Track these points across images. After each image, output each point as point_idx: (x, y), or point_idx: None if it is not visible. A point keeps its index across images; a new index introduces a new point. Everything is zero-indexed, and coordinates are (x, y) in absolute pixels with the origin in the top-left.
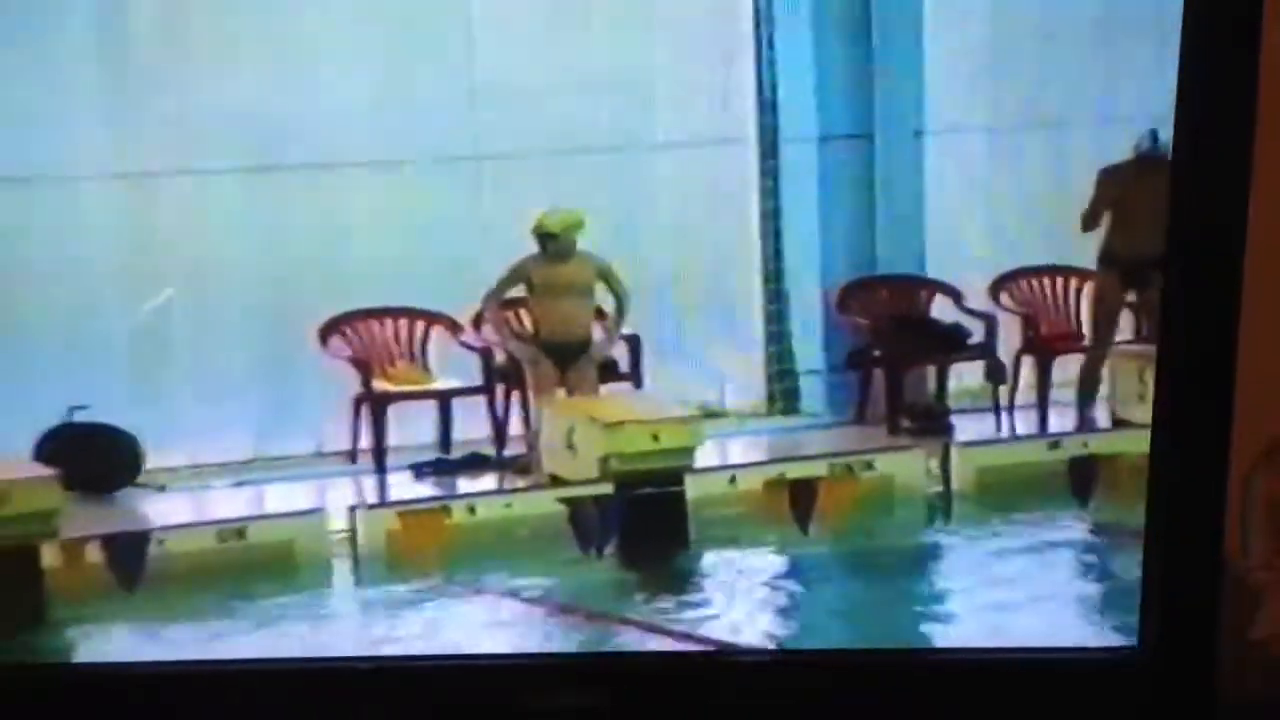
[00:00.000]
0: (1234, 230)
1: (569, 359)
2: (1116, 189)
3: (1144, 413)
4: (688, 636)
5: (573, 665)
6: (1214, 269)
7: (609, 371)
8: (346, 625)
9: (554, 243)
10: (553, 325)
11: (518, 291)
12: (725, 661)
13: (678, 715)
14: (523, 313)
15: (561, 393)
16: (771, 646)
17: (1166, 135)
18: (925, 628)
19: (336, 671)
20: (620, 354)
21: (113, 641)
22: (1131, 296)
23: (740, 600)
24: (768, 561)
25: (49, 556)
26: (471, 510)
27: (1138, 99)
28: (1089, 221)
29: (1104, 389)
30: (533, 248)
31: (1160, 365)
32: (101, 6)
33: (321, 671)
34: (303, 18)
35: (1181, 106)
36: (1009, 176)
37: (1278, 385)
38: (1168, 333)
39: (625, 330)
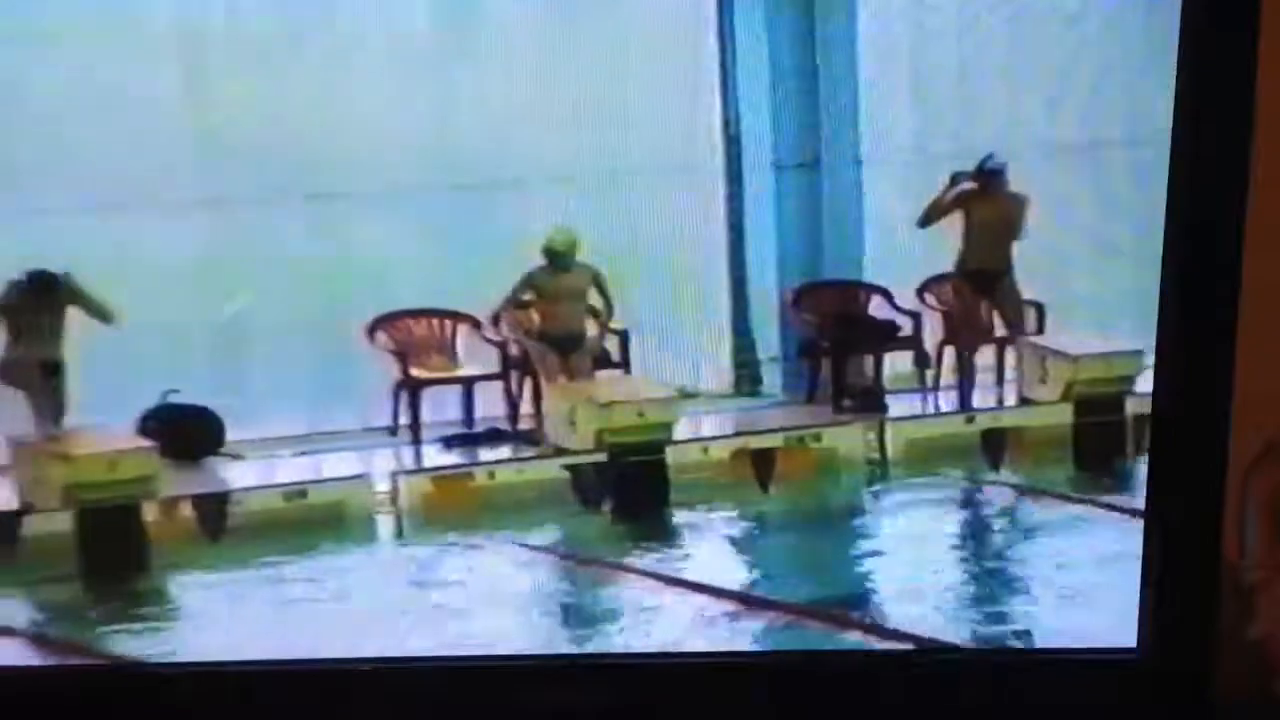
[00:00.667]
0: (1232, 232)
1: (569, 350)
2: (960, 204)
3: (1045, 393)
4: (669, 579)
5: (572, 665)
6: (1212, 270)
7: (603, 360)
8: (389, 572)
9: (560, 258)
10: (556, 323)
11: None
12: (724, 663)
13: (678, 715)
14: (532, 313)
15: (564, 378)
16: (771, 648)
17: (1002, 161)
18: (864, 569)
19: (337, 672)
20: (612, 346)
21: (200, 584)
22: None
23: (711, 548)
24: (734, 516)
25: (149, 513)
26: (491, 475)
27: (1036, 132)
28: (924, 221)
29: (1011, 373)
30: (533, 259)
31: (1159, 366)
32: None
33: (322, 672)
34: (349, 79)
35: (1180, 107)
36: (931, 196)
37: (1275, 386)
38: (1167, 334)
39: (615, 326)
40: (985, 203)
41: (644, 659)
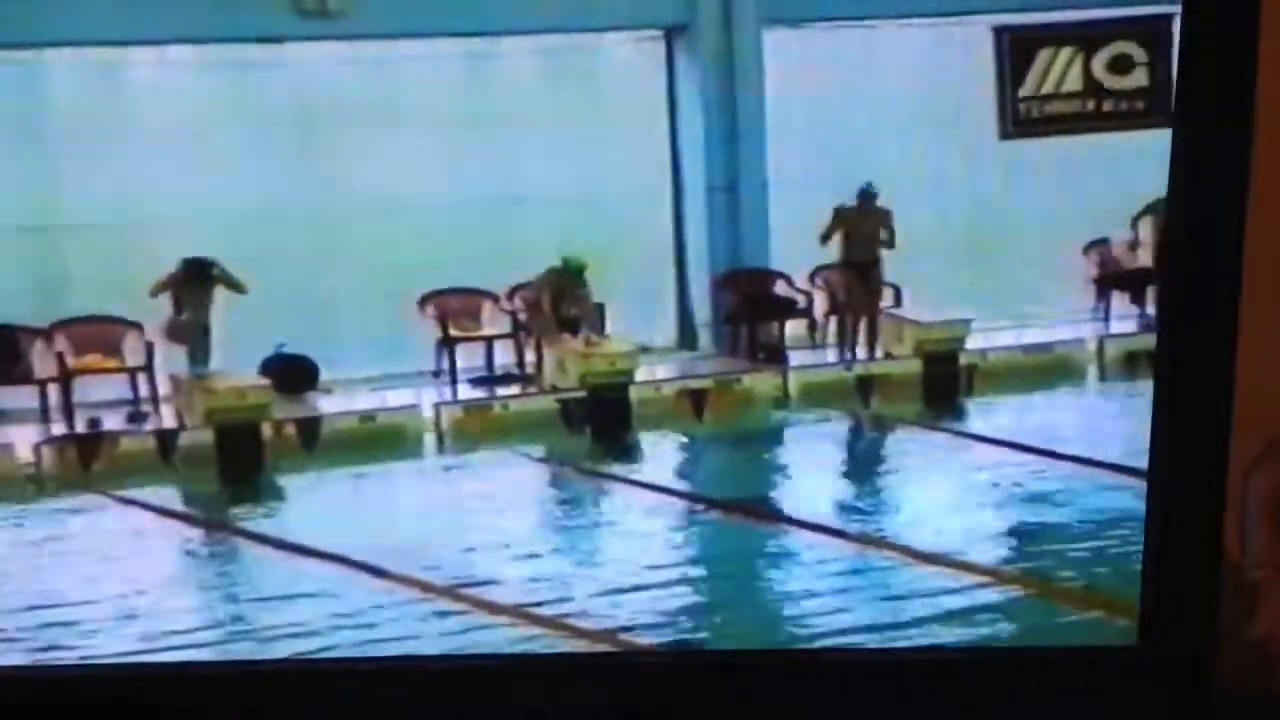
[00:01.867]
0: (1232, 231)
1: (571, 326)
2: (844, 221)
3: (901, 350)
4: (631, 480)
5: (574, 663)
6: (1213, 270)
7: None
8: (433, 475)
9: (571, 267)
10: (563, 306)
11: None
12: (722, 661)
13: (677, 713)
14: (544, 296)
15: (562, 337)
16: (773, 647)
17: (877, 188)
18: (772, 476)
19: (337, 671)
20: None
21: (300, 482)
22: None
23: (662, 460)
24: (678, 437)
25: (266, 430)
26: (505, 407)
27: (890, 161)
28: (824, 240)
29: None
30: (535, 255)
31: (1160, 365)
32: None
33: (323, 671)
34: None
35: (1180, 109)
36: (818, 208)
37: (1277, 384)
38: (1168, 333)
39: (595, 301)
40: (862, 216)
41: (644, 657)
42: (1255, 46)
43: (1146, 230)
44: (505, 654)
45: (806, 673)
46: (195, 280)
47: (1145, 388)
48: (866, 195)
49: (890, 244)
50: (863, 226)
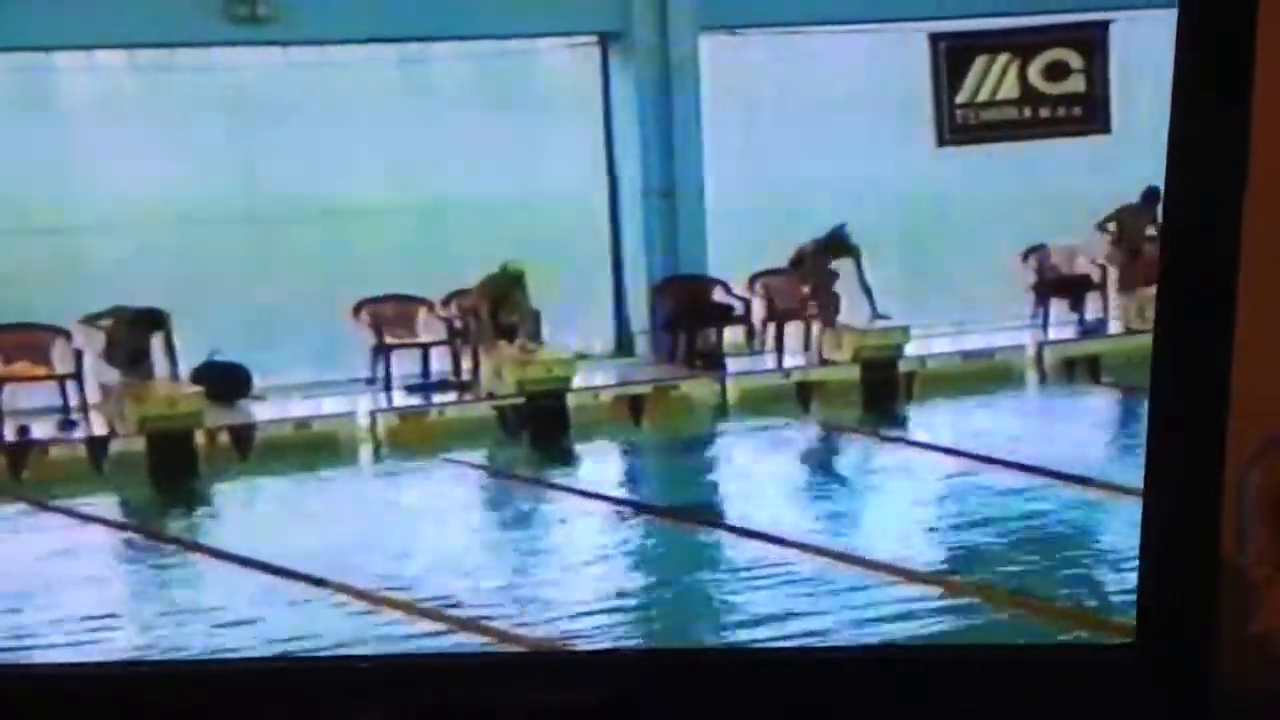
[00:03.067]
0: (1229, 230)
1: (509, 332)
2: (811, 255)
3: (840, 356)
4: (568, 488)
5: (562, 662)
6: (1210, 268)
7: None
8: (368, 483)
9: (508, 275)
10: (501, 314)
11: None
12: (715, 659)
13: (668, 712)
14: (482, 302)
15: (499, 344)
16: (767, 645)
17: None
18: (710, 482)
19: (333, 669)
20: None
21: (232, 488)
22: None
23: (597, 465)
24: (615, 443)
25: (199, 437)
26: (441, 413)
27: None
28: (793, 265)
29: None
30: (469, 262)
31: (1157, 363)
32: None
33: (317, 669)
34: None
35: (1177, 106)
36: (758, 216)
37: (1274, 382)
38: (1165, 331)
39: (532, 307)
40: (831, 251)
41: (635, 654)
42: (1253, 45)
43: (1101, 238)
44: (501, 652)
45: (802, 671)
46: (142, 325)
47: (1084, 392)
48: (838, 235)
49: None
50: (831, 259)
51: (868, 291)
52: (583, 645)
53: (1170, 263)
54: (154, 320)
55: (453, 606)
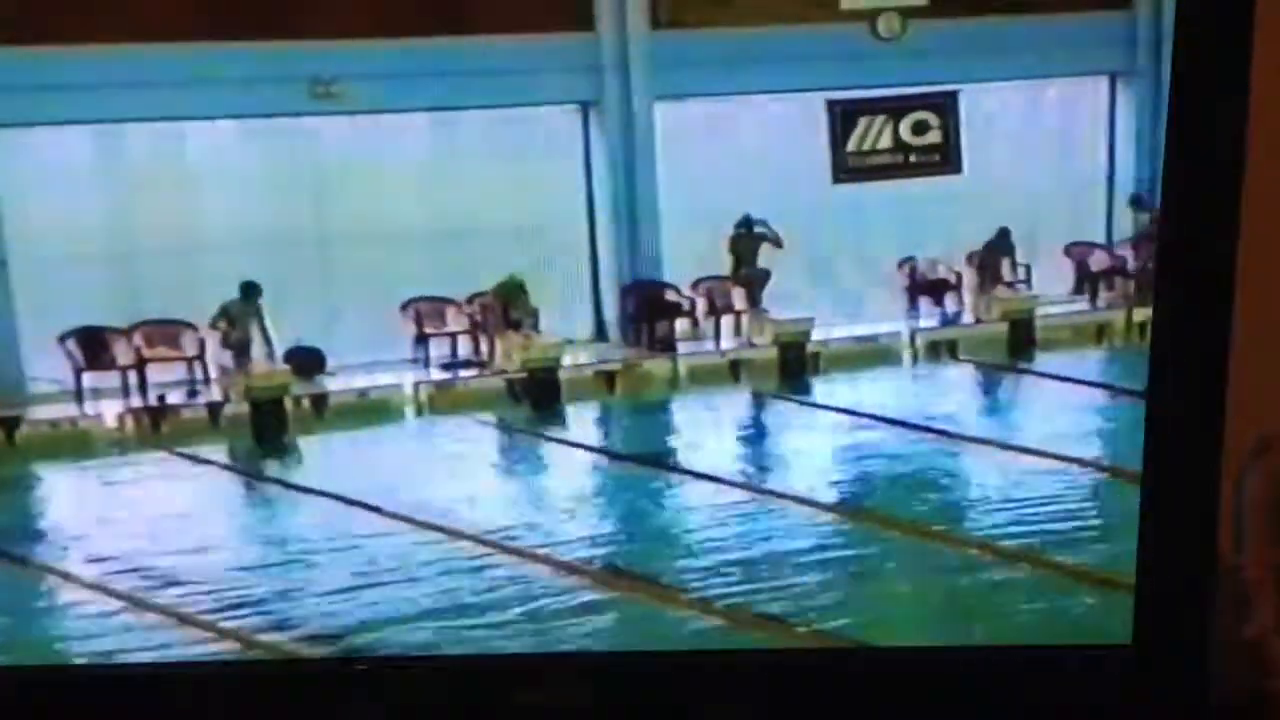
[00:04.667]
0: (1226, 230)
1: (517, 325)
2: (738, 244)
3: (762, 340)
4: (558, 439)
5: (560, 662)
6: (1207, 268)
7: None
8: (413, 435)
9: (516, 284)
10: (510, 310)
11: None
12: (709, 659)
13: (664, 713)
14: (495, 304)
15: (508, 333)
16: (759, 647)
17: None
18: (665, 436)
19: (331, 669)
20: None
21: (311, 441)
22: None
23: (584, 425)
24: (594, 408)
25: (286, 404)
26: (465, 384)
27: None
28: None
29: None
30: (489, 276)
31: (1154, 363)
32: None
33: (316, 670)
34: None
35: (1174, 103)
36: (699, 236)
37: (1270, 383)
38: (1161, 331)
39: (533, 305)
40: (751, 240)
41: (633, 655)
42: (1250, 45)
43: (960, 256)
44: (496, 654)
45: (795, 671)
46: (247, 304)
47: (944, 366)
48: (750, 224)
49: (777, 243)
50: (752, 247)
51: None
52: (564, 551)
53: (1167, 264)
54: (254, 299)
55: (472, 528)
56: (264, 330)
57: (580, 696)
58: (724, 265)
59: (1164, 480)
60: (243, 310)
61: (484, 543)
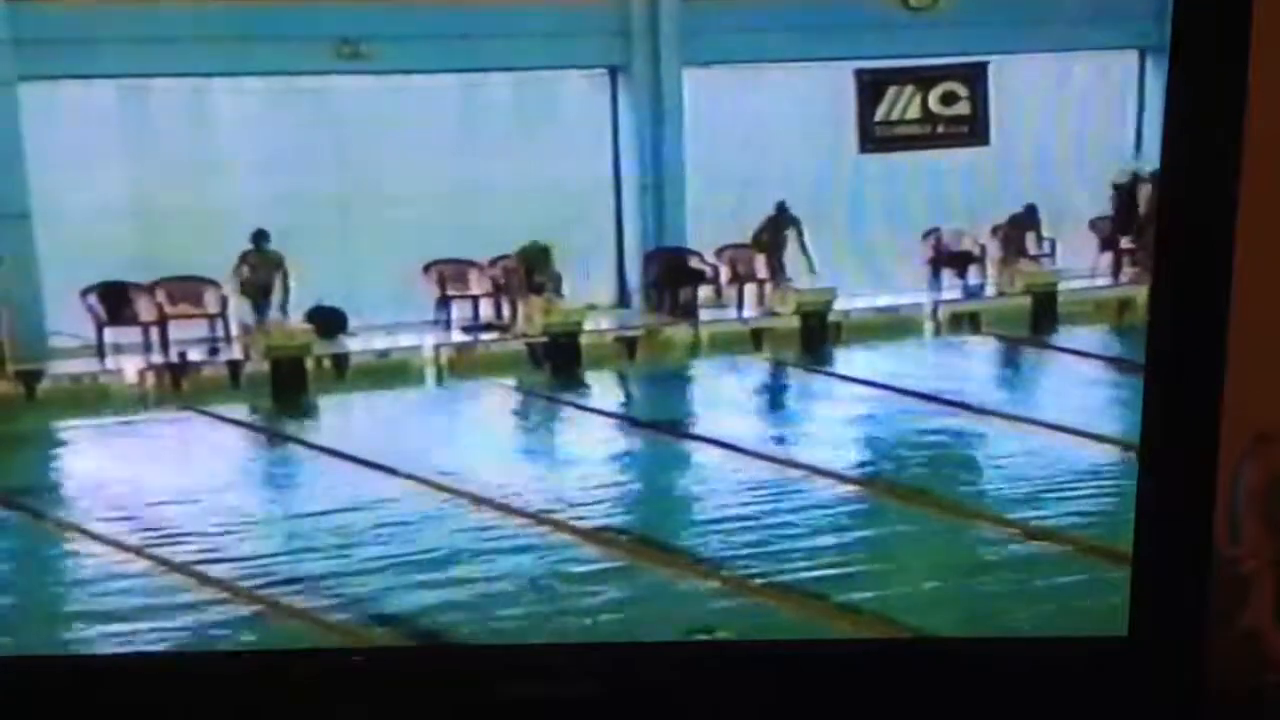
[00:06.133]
0: (1223, 225)
1: (537, 289)
2: (766, 229)
3: (783, 309)
4: (577, 405)
5: (556, 654)
6: (1203, 261)
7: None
8: (433, 398)
9: (541, 248)
10: (533, 275)
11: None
12: (710, 652)
13: (663, 704)
14: (520, 268)
15: (530, 298)
16: (757, 639)
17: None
18: (682, 403)
19: (327, 661)
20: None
21: (332, 400)
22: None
23: (603, 389)
24: (614, 374)
25: (309, 363)
26: (487, 348)
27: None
28: (755, 237)
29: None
30: (510, 241)
31: (1150, 357)
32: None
33: (306, 661)
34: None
35: (1171, 100)
36: (724, 204)
37: (1266, 375)
38: (1158, 324)
39: (556, 269)
40: (780, 222)
41: (628, 648)
42: (1248, 44)
43: (985, 228)
44: (490, 644)
45: (793, 665)
46: (265, 257)
47: (966, 340)
48: (781, 210)
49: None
50: (780, 228)
51: (806, 254)
52: (580, 514)
53: (1164, 259)
54: (267, 244)
55: (487, 489)
56: (284, 281)
57: (583, 687)
58: (747, 234)
59: (1160, 472)
60: (260, 260)
61: (496, 506)
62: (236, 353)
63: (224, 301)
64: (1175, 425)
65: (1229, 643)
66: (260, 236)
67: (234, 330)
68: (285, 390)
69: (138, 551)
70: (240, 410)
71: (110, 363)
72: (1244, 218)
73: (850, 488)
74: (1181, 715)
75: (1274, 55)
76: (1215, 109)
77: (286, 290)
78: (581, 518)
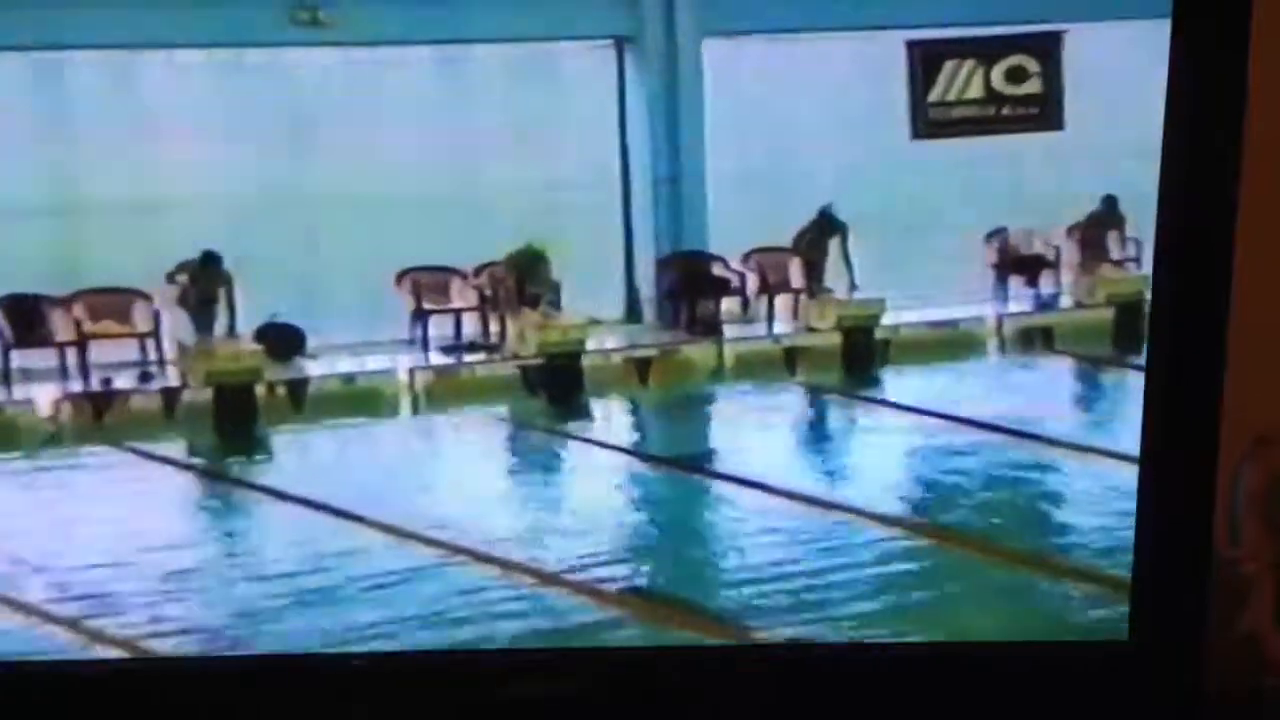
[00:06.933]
0: (1223, 225)
1: (532, 302)
2: (806, 234)
3: (822, 324)
4: (580, 438)
5: (546, 656)
6: (1203, 264)
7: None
8: (407, 431)
9: (535, 254)
10: (526, 285)
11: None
12: (703, 654)
13: (651, 706)
14: (509, 276)
15: (523, 311)
16: (760, 640)
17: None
18: (705, 434)
19: (326, 665)
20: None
21: (287, 436)
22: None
23: (610, 419)
24: (624, 400)
25: (259, 391)
26: (472, 371)
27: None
28: (795, 245)
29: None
30: (496, 245)
31: (1150, 359)
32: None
33: (305, 665)
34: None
35: (1172, 99)
36: (752, 201)
37: (1266, 378)
38: (1158, 326)
39: (554, 279)
40: (822, 227)
41: (624, 651)
42: (1248, 44)
43: (1060, 227)
44: (486, 648)
45: (793, 668)
46: (210, 272)
47: (1038, 360)
48: (825, 214)
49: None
50: (819, 236)
51: (849, 266)
52: (583, 578)
53: (1164, 261)
54: (218, 265)
55: (475, 542)
56: (230, 298)
57: (568, 691)
58: (779, 235)
59: (1161, 475)
60: (204, 273)
61: (488, 560)
62: (172, 379)
63: (157, 317)
64: (1175, 428)
65: (1229, 645)
66: (210, 259)
67: (169, 352)
68: (231, 423)
69: (48, 619)
70: (176, 448)
71: (18, 392)
72: (1244, 219)
73: (904, 535)
74: (1181, 717)
75: (1274, 56)
76: (1215, 110)
77: (233, 307)
78: (594, 578)
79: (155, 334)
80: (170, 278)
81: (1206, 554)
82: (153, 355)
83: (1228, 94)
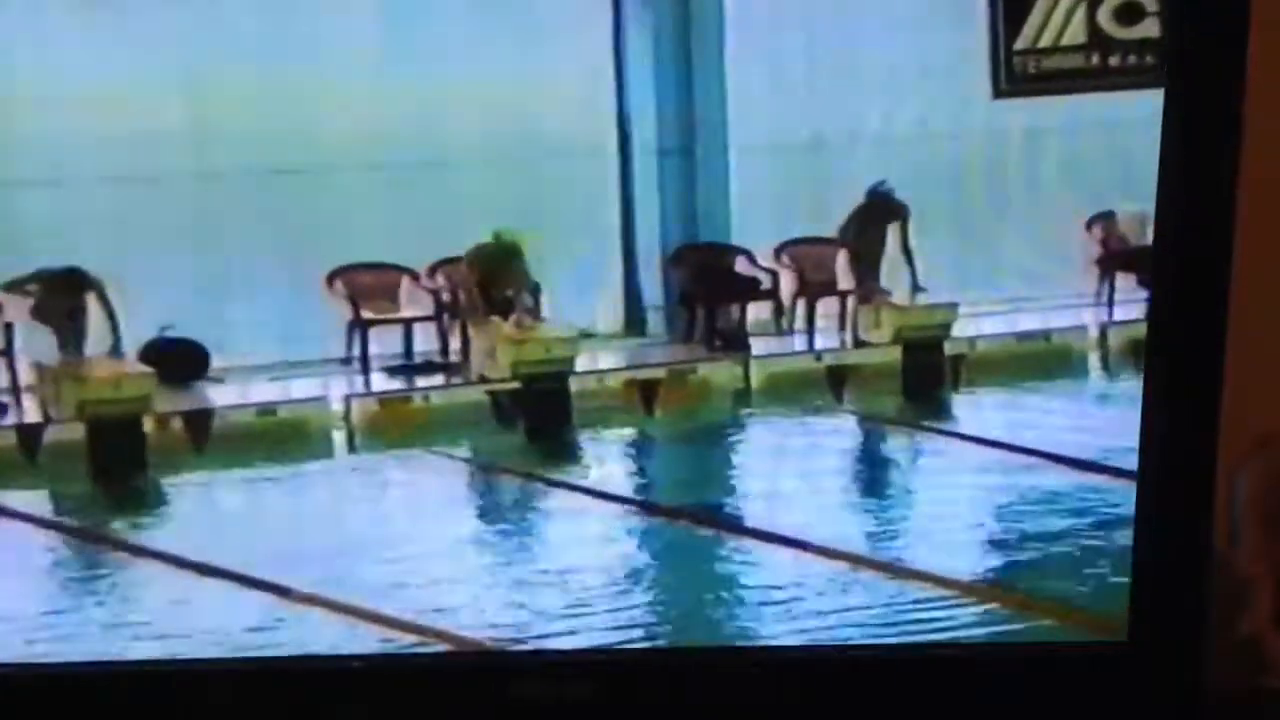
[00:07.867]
0: (1222, 224)
1: (503, 309)
2: (855, 220)
3: (877, 336)
4: (570, 485)
5: (554, 658)
6: (1203, 263)
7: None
8: (342, 478)
9: (506, 247)
10: (495, 288)
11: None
12: (708, 656)
13: (659, 709)
14: (471, 273)
15: (491, 321)
16: (762, 643)
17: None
18: (727, 478)
19: (325, 667)
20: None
21: (187, 484)
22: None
23: (605, 460)
24: (625, 434)
25: (146, 425)
26: (426, 399)
27: (871, 127)
28: (843, 234)
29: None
30: (453, 224)
31: (1149, 359)
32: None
33: (308, 667)
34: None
35: (1169, 99)
36: (784, 177)
37: (1266, 378)
38: (1157, 327)
39: (531, 279)
40: (875, 210)
41: (627, 653)
42: (1246, 44)
43: None
44: (488, 650)
45: (793, 671)
46: (72, 287)
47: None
48: (878, 193)
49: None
50: (874, 218)
51: (910, 261)
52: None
53: (1162, 261)
54: (82, 282)
55: (432, 620)
56: (106, 307)
57: (572, 694)
58: (822, 223)
59: (1160, 476)
60: (68, 281)
61: (445, 639)
62: (29, 412)
63: (8, 330)
64: (1175, 429)
65: (1229, 647)
66: (73, 272)
67: (23, 377)
68: (111, 467)
69: None
70: (38, 499)
71: None
72: (1244, 220)
73: (976, 601)
74: (1181, 718)
75: (1274, 56)
76: (1214, 110)
77: (113, 316)
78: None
79: (7, 353)
80: (16, 287)
81: (1206, 555)
82: (4, 382)
83: (1227, 93)
